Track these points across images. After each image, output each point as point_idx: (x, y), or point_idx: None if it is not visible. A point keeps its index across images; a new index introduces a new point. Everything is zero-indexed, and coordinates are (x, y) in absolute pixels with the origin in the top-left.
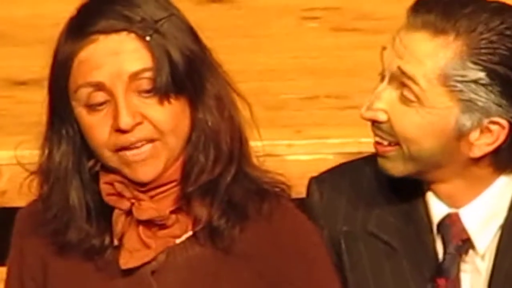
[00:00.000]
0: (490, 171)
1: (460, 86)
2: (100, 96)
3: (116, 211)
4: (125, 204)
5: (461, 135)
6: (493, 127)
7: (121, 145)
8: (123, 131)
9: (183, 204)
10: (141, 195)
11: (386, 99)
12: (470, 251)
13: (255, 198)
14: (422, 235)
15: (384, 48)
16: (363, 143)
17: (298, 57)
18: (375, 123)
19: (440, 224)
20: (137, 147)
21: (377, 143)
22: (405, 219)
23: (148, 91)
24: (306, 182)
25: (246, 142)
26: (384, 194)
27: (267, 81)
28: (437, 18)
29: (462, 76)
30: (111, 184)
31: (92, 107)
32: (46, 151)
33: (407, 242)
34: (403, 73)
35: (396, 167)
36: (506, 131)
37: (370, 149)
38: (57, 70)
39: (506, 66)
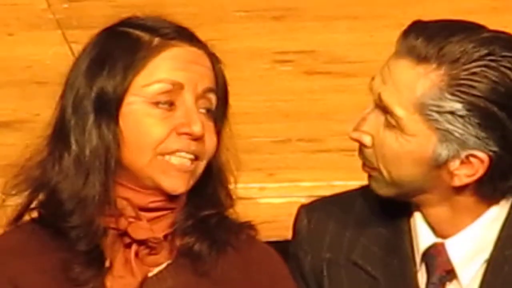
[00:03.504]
0: (475, 201)
1: (436, 116)
2: (170, 97)
3: (112, 232)
4: (122, 224)
5: (439, 164)
6: (473, 160)
7: (177, 148)
8: (192, 137)
9: (176, 230)
10: (141, 215)
11: (372, 123)
12: (453, 285)
13: (230, 227)
14: (405, 267)
15: (372, 79)
16: (336, 186)
17: (270, 100)
18: (361, 146)
19: (425, 253)
20: (185, 158)
21: (363, 164)
22: (389, 250)
23: (208, 110)
24: (278, 225)
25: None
26: (372, 224)
27: (239, 124)
28: (422, 44)
29: (439, 106)
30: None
31: (157, 105)
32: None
33: (389, 273)
34: (381, 101)
35: (381, 189)
36: (485, 165)
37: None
38: (123, 58)
39: (486, 99)
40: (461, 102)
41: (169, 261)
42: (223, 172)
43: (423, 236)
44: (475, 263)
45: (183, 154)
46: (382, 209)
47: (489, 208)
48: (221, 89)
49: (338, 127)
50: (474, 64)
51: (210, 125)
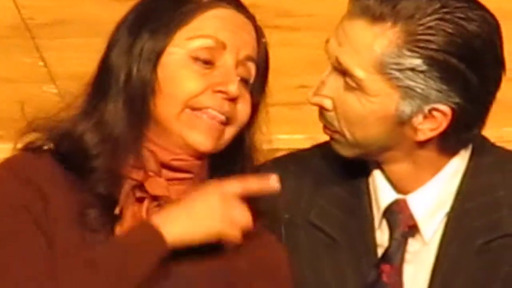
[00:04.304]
0: (437, 155)
1: (397, 73)
2: (211, 55)
3: (129, 181)
4: (142, 176)
5: (403, 121)
6: (436, 114)
7: (210, 105)
8: (227, 96)
9: None
10: (162, 172)
11: (331, 86)
12: (415, 239)
13: None
14: (363, 227)
15: (327, 41)
16: (281, 139)
17: None
18: (321, 109)
19: (386, 210)
20: (214, 117)
21: (324, 126)
22: (347, 210)
23: (244, 80)
24: None
25: None
26: (329, 185)
27: None
28: (376, 3)
29: (398, 64)
30: None
31: (196, 60)
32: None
33: (347, 233)
34: (340, 64)
35: (345, 150)
36: (448, 117)
37: None
38: (170, 12)
39: (444, 51)
40: (420, 58)
41: None
42: (253, 152)
43: (383, 193)
44: (436, 217)
45: (214, 113)
46: (339, 169)
47: (450, 161)
48: (261, 63)
49: (285, 80)
50: (429, 18)
51: (246, 93)
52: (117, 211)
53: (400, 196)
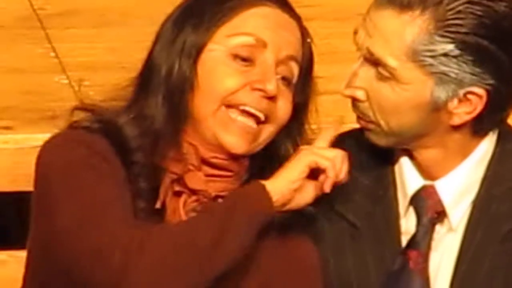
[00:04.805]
0: (469, 138)
1: (430, 60)
2: (251, 53)
3: (169, 175)
4: (182, 169)
5: (438, 107)
6: (471, 97)
7: (247, 102)
8: (265, 94)
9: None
10: (202, 167)
11: (363, 77)
12: (442, 226)
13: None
14: (388, 216)
15: (355, 33)
16: None
17: None
18: (354, 101)
19: (414, 197)
20: (252, 116)
21: (358, 117)
22: (372, 199)
23: (285, 79)
24: None
25: None
26: (355, 173)
27: None
28: None
29: (431, 50)
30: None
31: (236, 57)
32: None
33: (371, 222)
34: (372, 54)
35: (380, 140)
36: (483, 100)
37: None
38: (213, 7)
39: (475, 34)
40: (452, 43)
41: None
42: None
43: (411, 180)
44: (463, 203)
45: (252, 110)
46: (364, 158)
47: (479, 144)
48: (305, 63)
49: None
50: (457, 3)
51: (287, 92)
52: (158, 205)
53: (428, 182)
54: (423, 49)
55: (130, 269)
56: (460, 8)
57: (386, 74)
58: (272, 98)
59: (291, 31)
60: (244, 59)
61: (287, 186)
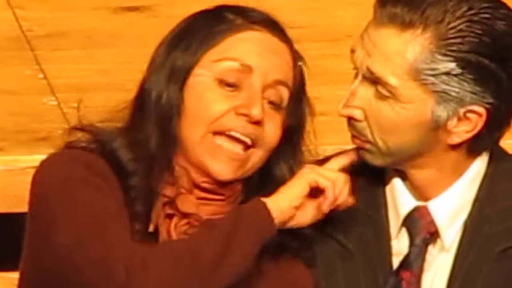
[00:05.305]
0: (465, 157)
1: (431, 79)
2: (237, 78)
3: (161, 198)
4: (173, 192)
5: (438, 125)
6: (470, 115)
7: (232, 127)
8: (250, 119)
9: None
10: (193, 190)
11: (361, 96)
12: (434, 246)
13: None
14: (379, 237)
15: (352, 51)
16: None
17: None
18: (351, 120)
19: (406, 218)
20: (238, 142)
21: (353, 136)
22: (363, 222)
23: (273, 103)
24: None
25: None
26: None
27: None
28: (404, 10)
29: (433, 69)
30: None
31: (222, 82)
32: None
33: (362, 244)
34: (372, 73)
35: (375, 160)
36: (483, 118)
37: None
38: (202, 31)
39: (476, 53)
40: (453, 61)
41: None
42: (290, 174)
43: (403, 201)
44: (456, 223)
45: (237, 135)
46: (355, 180)
47: (473, 163)
48: (297, 86)
49: None
50: (458, 21)
51: (276, 116)
52: (151, 228)
53: (420, 203)
54: (424, 67)
55: (134, 285)
56: (462, 26)
57: (385, 93)
58: (258, 123)
59: (280, 55)
60: (229, 85)
61: (287, 203)
